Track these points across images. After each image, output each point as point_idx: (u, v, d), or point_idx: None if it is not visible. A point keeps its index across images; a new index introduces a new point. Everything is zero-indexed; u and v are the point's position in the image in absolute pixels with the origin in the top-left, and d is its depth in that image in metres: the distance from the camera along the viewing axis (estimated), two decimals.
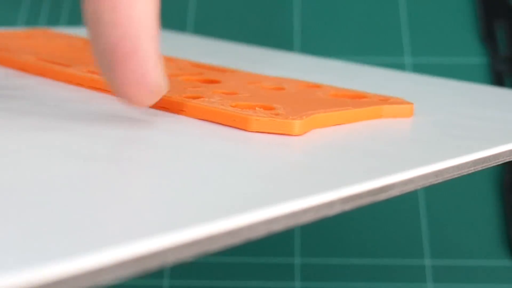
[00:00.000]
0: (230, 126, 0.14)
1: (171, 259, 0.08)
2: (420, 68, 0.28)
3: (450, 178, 0.13)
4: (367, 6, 0.30)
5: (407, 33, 0.30)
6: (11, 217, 0.09)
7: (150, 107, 0.14)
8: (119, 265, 0.08)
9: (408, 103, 0.16)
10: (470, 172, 0.13)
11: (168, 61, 0.19)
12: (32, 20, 0.32)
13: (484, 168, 0.14)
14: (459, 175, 0.13)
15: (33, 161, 0.11)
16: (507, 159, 0.14)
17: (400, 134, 0.15)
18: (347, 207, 0.11)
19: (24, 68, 0.18)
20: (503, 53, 0.28)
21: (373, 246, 0.24)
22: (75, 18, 0.31)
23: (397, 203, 0.25)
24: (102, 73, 0.13)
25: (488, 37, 0.29)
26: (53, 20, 0.32)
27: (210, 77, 0.17)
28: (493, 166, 0.25)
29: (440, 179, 0.12)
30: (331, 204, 0.10)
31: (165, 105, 0.15)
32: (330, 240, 0.25)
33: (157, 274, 0.25)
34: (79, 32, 0.24)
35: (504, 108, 0.18)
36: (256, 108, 0.14)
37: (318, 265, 0.24)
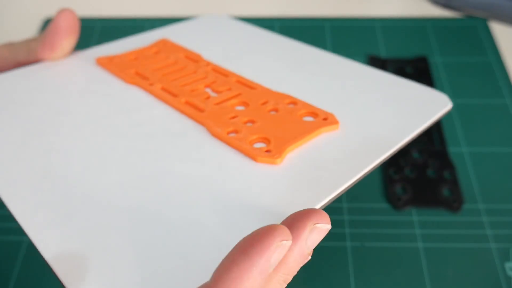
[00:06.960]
0: (245, 156, 0.17)
1: None
2: None
3: (367, 174, 0.16)
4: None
5: None
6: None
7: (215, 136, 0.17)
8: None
9: (336, 122, 0.18)
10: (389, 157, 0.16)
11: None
12: None
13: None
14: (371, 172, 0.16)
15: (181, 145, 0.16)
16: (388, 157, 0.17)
17: (333, 141, 0.17)
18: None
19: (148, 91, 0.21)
20: None
21: None
22: None
23: None
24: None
25: None
26: None
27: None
28: None
29: (365, 176, 0.15)
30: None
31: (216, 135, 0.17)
32: None
33: None
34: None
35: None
36: (259, 144, 0.17)
37: None
